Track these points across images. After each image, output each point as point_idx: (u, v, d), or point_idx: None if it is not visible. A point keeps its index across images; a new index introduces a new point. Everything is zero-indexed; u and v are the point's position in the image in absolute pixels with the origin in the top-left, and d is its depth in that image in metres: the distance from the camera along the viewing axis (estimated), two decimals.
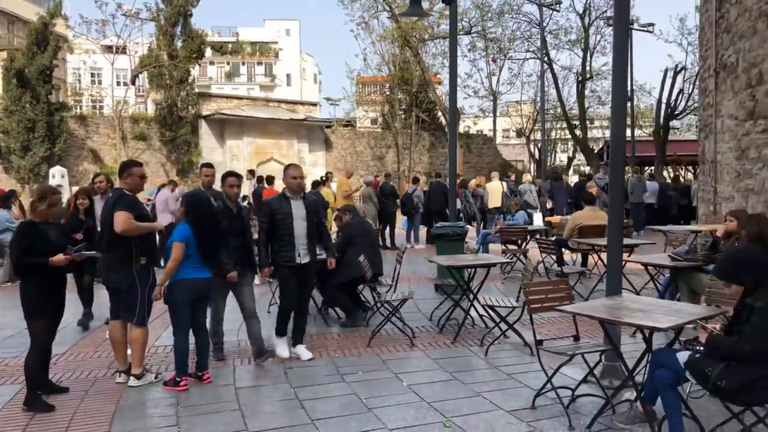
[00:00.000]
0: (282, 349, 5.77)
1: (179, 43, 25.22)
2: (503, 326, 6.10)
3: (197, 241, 5.01)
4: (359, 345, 6.28)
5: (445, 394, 4.81)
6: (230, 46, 58.91)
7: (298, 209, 5.66)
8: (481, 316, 6.77)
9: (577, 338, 4.72)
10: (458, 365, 5.58)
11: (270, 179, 14.98)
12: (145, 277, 4.96)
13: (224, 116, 25.72)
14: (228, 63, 58.32)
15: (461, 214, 14.51)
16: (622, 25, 5.08)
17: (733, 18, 10.80)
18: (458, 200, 15.03)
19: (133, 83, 29.33)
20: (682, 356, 3.66)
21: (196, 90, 26.41)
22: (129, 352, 5.16)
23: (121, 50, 29.09)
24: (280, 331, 5.81)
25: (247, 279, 5.75)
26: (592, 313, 4.08)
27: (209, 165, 6.54)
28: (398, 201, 15.01)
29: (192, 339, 5.14)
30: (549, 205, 16.66)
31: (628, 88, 23.58)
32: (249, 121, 26.15)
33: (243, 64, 58.48)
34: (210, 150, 25.51)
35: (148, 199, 12.99)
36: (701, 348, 3.60)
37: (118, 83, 32.16)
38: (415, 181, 15.89)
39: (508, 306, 6.11)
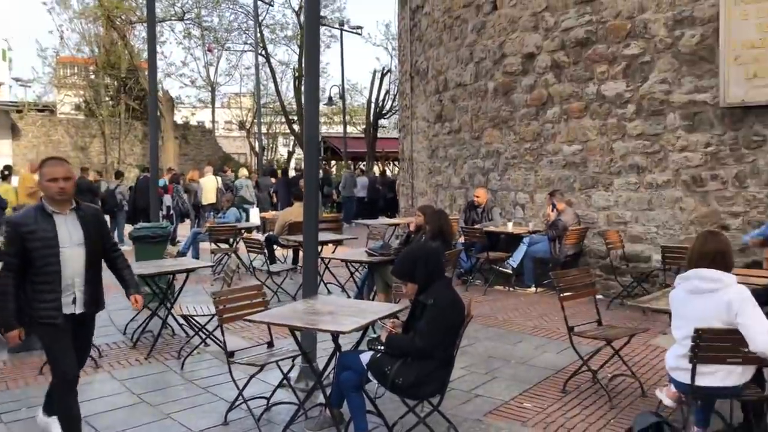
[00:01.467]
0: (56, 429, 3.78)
1: None
2: (204, 335, 5.70)
3: None
4: (28, 374, 5.30)
5: (127, 421, 4.24)
6: None
7: (68, 229, 3.57)
8: (181, 325, 6.27)
9: (270, 345, 4.55)
10: (149, 384, 5.03)
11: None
12: None
13: None
14: None
15: (172, 211, 13.62)
16: (313, 27, 5.05)
17: (424, 27, 11.86)
18: (169, 196, 14.10)
19: None
20: (365, 357, 3.70)
21: None
22: None
23: None
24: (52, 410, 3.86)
25: None
26: (281, 321, 3.93)
27: None
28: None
29: None
30: (274, 200, 16.62)
31: (341, 88, 24.79)
32: None
33: None
34: None
35: None
36: (382, 347, 3.68)
37: None
38: (119, 175, 14.47)
39: (207, 314, 5.72)
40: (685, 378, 3.36)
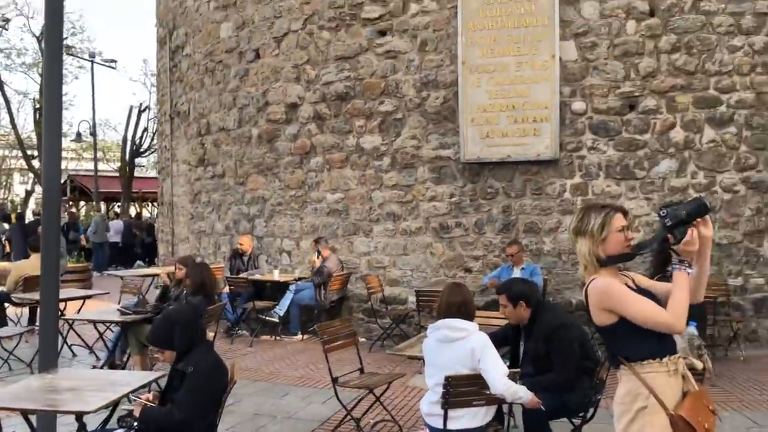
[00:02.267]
0: None
1: None
2: None
3: None
4: None
5: None
6: None
7: None
8: None
9: None
10: None
11: None
12: None
13: None
14: None
15: None
16: (55, 55, 4.53)
17: (185, 69, 11.47)
18: None
19: None
20: None
21: None
22: None
23: None
24: None
25: None
26: (10, 403, 3.36)
27: None
28: None
29: None
30: (7, 249, 14.44)
31: (91, 123, 22.81)
32: None
33: None
34: None
35: None
36: (136, 423, 3.33)
37: None
38: None
39: None
40: (438, 423, 3.59)
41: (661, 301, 2.39)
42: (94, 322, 6.51)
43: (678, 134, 7.53)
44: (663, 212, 2.36)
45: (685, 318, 2.32)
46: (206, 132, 10.70)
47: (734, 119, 7.49)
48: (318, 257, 8.31)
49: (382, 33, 8.46)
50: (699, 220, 2.32)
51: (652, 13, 7.57)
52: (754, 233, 7.53)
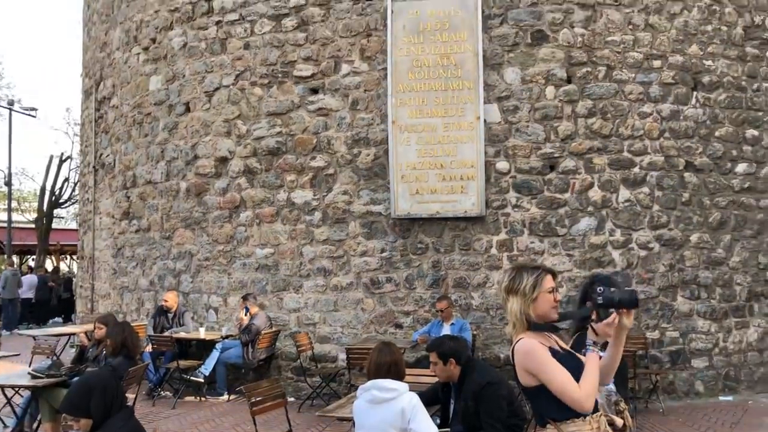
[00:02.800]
0: None
1: None
2: None
3: None
4: None
5: None
6: None
7: None
8: None
9: None
10: None
11: None
12: None
13: None
14: None
15: None
16: None
17: (112, 120, 11.23)
18: None
19: None
20: None
21: None
22: None
23: None
24: None
25: None
26: None
27: None
28: None
29: None
30: None
31: (7, 172, 21.81)
32: None
33: None
34: None
35: None
36: None
37: None
38: None
39: None
40: None
41: (581, 364, 2.49)
42: (2, 387, 6.07)
43: (596, 193, 7.93)
44: (599, 290, 2.49)
45: (594, 398, 2.43)
46: (132, 184, 10.43)
47: (647, 180, 7.98)
48: (246, 314, 8.12)
49: (314, 91, 8.61)
50: (625, 310, 2.46)
51: (569, 80, 8.06)
52: (668, 288, 7.93)
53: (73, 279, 18.82)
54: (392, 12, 8.21)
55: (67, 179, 26.56)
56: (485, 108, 7.96)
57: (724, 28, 8.42)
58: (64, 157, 26.30)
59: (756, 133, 8.48)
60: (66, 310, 17.59)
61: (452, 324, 7.34)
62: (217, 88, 9.22)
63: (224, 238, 9.02)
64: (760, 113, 8.55)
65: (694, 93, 8.23)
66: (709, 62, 8.30)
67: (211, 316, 9.08)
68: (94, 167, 11.98)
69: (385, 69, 8.20)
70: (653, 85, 8.09)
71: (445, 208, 7.97)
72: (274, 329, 8.29)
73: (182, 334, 8.41)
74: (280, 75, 8.77)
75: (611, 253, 7.90)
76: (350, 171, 8.37)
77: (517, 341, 2.54)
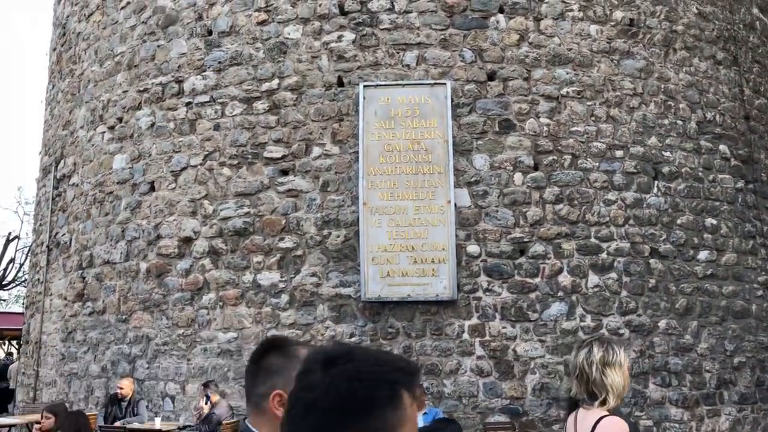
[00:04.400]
0: None
1: None
2: None
3: None
4: None
5: None
6: None
7: None
8: None
9: None
10: None
11: None
12: None
13: None
14: None
15: None
16: None
17: (71, 198, 10.92)
18: None
19: None
20: None
21: None
22: None
23: None
24: None
25: None
26: None
27: None
28: None
29: None
30: None
31: None
32: None
33: None
34: None
35: None
36: None
37: None
38: None
39: None
40: None
41: None
42: None
43: (566, 278, 7.97)
44: None
45: None
46: (88, 265, 10.02)
47: (614, 266, 8.09)
48: (206, 403, 7.66)
49: (285, 172, 8.58)
50: None
51: (536, 167, 8.26)
52: (639, 375, 7.88)
53: (12, 366, 17.65)
54: (364, 98, 8.37)
55: (12, 260, 25.55)
56: (456, 192, 8.05)
57: (680, 122, 8.87)
58: (11, 237, 25.42)
59: (714, 221, 8.78)
60: (3, 401, 16.36)
61: (425, 413, 7.04)
62: (184, 168, 9.10)
63: (185, 322, 8.64)
64: (717, 203, 8.88)
65: (656, 182, 8.53)
66: (668, 153, 8.67)
67: (167, 404, 8.54)
68: (48, 246, 11.52)
69: (357, 152, 8.27)
70: (617, 173, 8.37)
71: (416, 291, 7.86)
72: (236, 419, 7.81)
73: (136, 425, 7.85)
74: (249, 156, 8.74)
75: (582, 338, 7.84)
76: (319, 252, 8.24)
77: (603, 417, 2.34)
